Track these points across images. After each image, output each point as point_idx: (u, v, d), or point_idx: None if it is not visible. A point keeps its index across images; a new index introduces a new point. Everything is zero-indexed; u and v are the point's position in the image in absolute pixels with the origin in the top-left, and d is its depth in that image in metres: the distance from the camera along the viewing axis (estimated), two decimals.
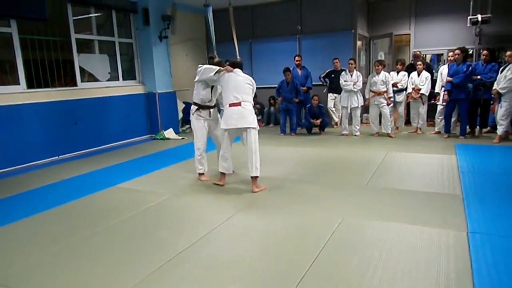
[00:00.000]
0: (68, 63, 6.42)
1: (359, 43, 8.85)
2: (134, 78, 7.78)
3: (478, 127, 6.81)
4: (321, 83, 8.13)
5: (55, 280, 2.42)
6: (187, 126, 8.73)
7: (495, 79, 6.13)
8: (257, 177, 4.10)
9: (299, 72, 7.87)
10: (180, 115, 8.54)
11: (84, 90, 6.55)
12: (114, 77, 7.34)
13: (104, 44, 7.16)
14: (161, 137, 7.59)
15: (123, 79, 7.49)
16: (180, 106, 8.60)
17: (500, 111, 6.04)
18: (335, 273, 2.35)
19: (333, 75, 7.78)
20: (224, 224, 3.17)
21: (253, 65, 9.49)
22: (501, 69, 6.09)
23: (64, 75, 6.38)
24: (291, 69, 7.73)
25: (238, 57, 8.03)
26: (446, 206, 3.38)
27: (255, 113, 9.05)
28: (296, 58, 7.87)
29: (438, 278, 2.23)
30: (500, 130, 6.07)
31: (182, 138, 7.57)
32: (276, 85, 7.74)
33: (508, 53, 6.02)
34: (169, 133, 7.74)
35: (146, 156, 6.10)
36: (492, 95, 6.22)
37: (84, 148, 6.48)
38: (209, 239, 2.90)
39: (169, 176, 4.82)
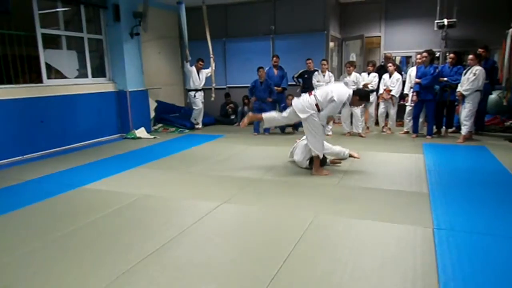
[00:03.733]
0: (33, 59, 6.16)
1: (331, 44, 9.00)
2: (104, 75, 7.57)
3: (444, 127, 7.08)
4: (295, 83, 8.20)
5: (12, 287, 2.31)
6: (160, 125, 8.59)
7: (460, 81, 6.38)
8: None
9: (275, 72, 7.89)
10: (152, 114, 8.38)
11: (50, 87, 6.30)
12: (82, 74, 7.10)
13: (72, 40, 6.91)
14: (132, 136, 7.42)
15: (93, 77, 7.26)
16: (153, 104, 8.45)
17: (464, 112, 6.30)
18: (307, 271, 2.37)
19: (306, 76, 7.86)
20: (196, 224, 3.13)
21: (227, 64, 9.46)
22: (464, 71, 6.35)
23: (29, 72, 6.12)
24: (267, 68, 7.76)
25: (211, 55, 8.02)
26: (413, 204, 3.48)
27: (229, 112, 9.09)
28: (274, 58, 7.90)
29: (405, 274, 2.29)
30: (464, 130, 6.33)
31: (154, 138, 7.43)
32: (250, 85, 7.75)
33: (470, 56, 6.29)
34: (141, 132, 7.58)
35: (116, 155, 5.94)
36: (457, 97, 6.47)
37: (50, 148, 6.24)
38: (181, 240, 2.86)
39: (140, 176, 4.71)
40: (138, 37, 7.66)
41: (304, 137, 5.08)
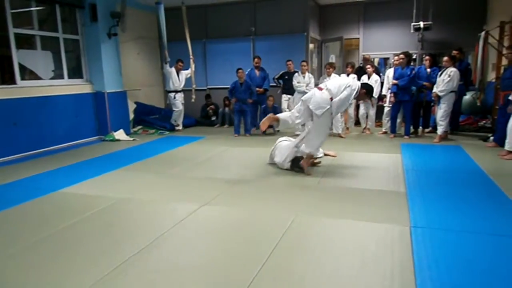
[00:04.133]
0: (6, 59, 5.96)
1: (311, 45, 9.08)
2: (81, 76, 7.40)
3: (421, 127, 7.24)
4: (275, 84, 8.23)
5: None
6: (139, 127, 8.47)
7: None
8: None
9: (257, 73, 7.89)
10: (132, 115, 8.26)
11: (24, 89, 6.11)
12: (58, 75, 6.93)
13: (47, 40, 6.74)
14: (111, 138, 7.28)
15: (69, 78, 7.09)
16: (132, 106, 8.32)
17: (440, 112, 6.46)
18: (287, 271, 2.38)
19: (286, 77, 7.90)
20: (175, 227, 3.09)
21: (207, 65, 9.42)
22: (439, 73, 6.52)
23: (1, 72, 5.92)
24: (249, 70, 7.77)
25: (191, 56, 7.97)
26: (391, 203, 3.54)
27: (210, 114, 9.03)
28: (256, 59, 7.89)
29: (383, 272, 2.33)
30: (440, 130, 6.49)
31: (134, 140, 7.32)
32: (229, 86, 7.73)
33: (445, 58, 6.47)
34: (119, 134, 7.45)
35: (94, 158, 5.82)
36: (433, 98, 6.64)
37: (24, 151, 6.05)
38: (160, 244, 2.81)
39: (118, 179, 4.62)
40: (116, 37, 7.53)
41: (283, 138, 5.11)
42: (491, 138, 6.15)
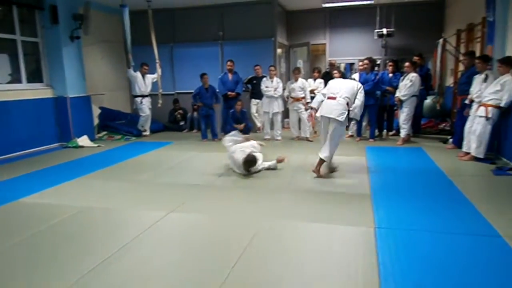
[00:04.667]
0: None
1: (279, 50, 9.18)
2: (41, 81, 7.10)
3: (385, 130, 7.48)
4: (244, 89, 8.24)
5: None
6: (104, 132, 8.22)
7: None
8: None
9: (230, 77, 7.84)
10: (96, 121, 7.99)
11: None
12: (16, 79, 6.61)
13: (3, 43, 6.43)
14: (74, 145, 7.01)
15: (28, 82, 6.77)
16: (96, 111, 8.06)
17: (402, 116, 6.70)
18: (255, 277, 2.37)
19: (255, 81, 7.94)
20: (141, 236, 3.01)
21: (174, 70, 9.29)
22: (401, 78, 6.77)
23: None
24: (222, 74, 7.75)
25: (157, 60, 7.84)
26: (357, 205, 3.62)
27: (178, 119, 8.91)
28: (228, 63, 7.83)
29: (349, 273, 2.37)
30: (402, 133, 6.72)
31: (98, 146, 7.08)
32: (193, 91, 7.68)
33: (406, 64, 6.73)
34: (83, 140, 7.19)
35: (56, 166, 5.58)
36: (395, 102, 6.88)
37: None
38: (124, 254, 2.73)
39: (81, 187, 4.46)
40: (79, 40, 7.29)
41: (229, 140, 5.13)
42: (450, 140, 6.44)
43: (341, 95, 4.59)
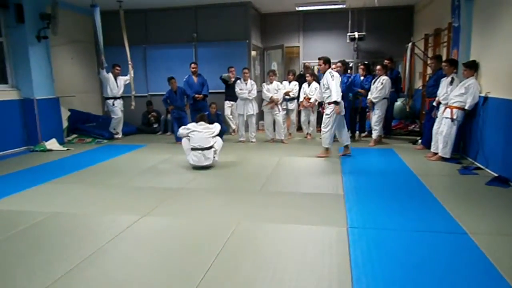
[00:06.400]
0: None
1: (253, 53, 9.20)
2: (5, 82, 6.81)
3: (357, 132, 7.63)
4: (218, 91, 8.20)
5: None
6: (74, 135, 7.97)
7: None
8: None
9: (195, 79, 7.79)
10: (65, 123, 7.74)
11: None
12: None
13: None
14: (42, 148, 6.76)
15: None
16: (65, 114, 7.81)
17: (374, 118, 6.86)
18: (229, 280, 2.35)
19: (229, 82, 7.92)
20: (113, 241, 2.93)
21: (147, 71, 9.15)
22: (373, 81, 6.93)
23: None
24: (186, 76, 7.67)
25: (129, 62, 7.69)
26: (330, 205, 3.67)
27: (151, 121, 8.78)
28: (192, 65, 7.79)
29: (322, 273, 2.40)
30: (374, 134, 6.89)
31: (68, 149, 6.86)
32: (164, 96, 7.61)
33: (378, 67, 6.91)
34: (52, 144, 6.95)
35: (21, 170, 5.36)
36: (367, 104, 7.03)
37: None
38: (95, 260, 2.65)
39: (49, 193, 4.29)
40: (46, 40, 7.05)
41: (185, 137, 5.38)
42: (419, 141, 6.65)
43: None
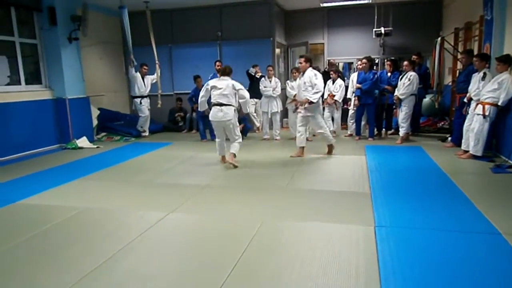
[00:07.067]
0: None
1: (277, 50, 9.18)
2: (39, 82, 7.09)
3: (384, 129, 7.49)
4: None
5: None
6: (103, 134, 8.22)
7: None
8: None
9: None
10: (95, 122, 7.99)
11: None
12: (15, 81, 6.61)
13: (2, 45, 6.41)
14: (73, 146, 7.01)
15: (26, 84, 6.77)
16: (95, 112, 8.06)
17: (401, 115, 6.72)
18: (255, 277, 2.37)
19: (254, 79, 7.93)
20: (141, 236, 3.02)
21: (173, 70, 9.30)
22: (400, 77, 6.78)
23: None
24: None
25: (157, 61, 7.85)
26: (356, 203, 3.63)
27: (177, 120, 8.96)
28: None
29: (349, 271, 2.38)
30: (401, 132, 6.74)
31: (97, 147, 7.08)
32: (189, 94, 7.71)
33: (405, 62, 6.75)
34: (82, 141, 7.19)
35: (55, 167, 5.58)
36: (394, 101, 6.89)
37: None
38: (125, 254, 2.73)
39: (81, 188, 4.46)
40: (77, 42, 7.29)
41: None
42: (449, 138, 6.45)
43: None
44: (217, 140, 5.42)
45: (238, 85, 5.21)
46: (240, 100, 5.26)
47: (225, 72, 5.25)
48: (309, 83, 5.52)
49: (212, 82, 5.24)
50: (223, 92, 5.10)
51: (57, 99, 7.16)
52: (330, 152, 5.86)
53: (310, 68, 5.62)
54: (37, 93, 6.91)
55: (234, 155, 5.27)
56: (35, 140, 6.75)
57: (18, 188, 4.50)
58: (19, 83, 6.65)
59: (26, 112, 6.57)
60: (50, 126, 7.09)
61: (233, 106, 5.15)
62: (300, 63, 5.71)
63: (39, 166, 5.64)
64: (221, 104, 5.10)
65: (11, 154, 6.25)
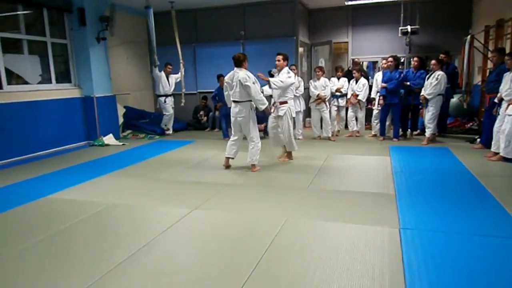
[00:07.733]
0: None
1: (301, 49, 9.13)
2: (69, 81, 7.33)
3: (409, 130, 7.33)
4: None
5: None
6: (129, 131, 8.41)
7: (423, 85, 6.64)
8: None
9: None
10: (121, 120, 8.19)
11: (11, 94, 6.03)
12: (46, 80, 6.85)
13: (34, 44, 6.66)
14: (100, 143, 7.21)
15: (57, 82, 7.01)
16: (121, 110, 8.26)
17: (428, 115, 6.55)
18: (278, 274, 2.38)
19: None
20: (165, 232, 3.07)
21: (197, 69, 9.40)
22: (427, 76, 6.62)
23: None
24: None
25: (181, 61, 7.96)
26: (381, 205, 3.57)
27: (201, 118, 9.00)
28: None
29: (373, 273, 2.34)
30: (428, 132, 6.58)
31: (123, 144, 7.26)
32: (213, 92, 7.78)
33: (432, 61, 6.57)
34: (109, 139, 7.39)
35: (83, 163, 5.76)
36: (421, 101, 6.73)
37: (11, 157, 5.94)
38: (151, 248, 2.79)
39: (107, 184, 4.58)
40: (104, 41, 7.48)
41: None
42: (478, 140, 6.25)
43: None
44: (231, 138, 5.17)
45: (246, 79, 4.75)
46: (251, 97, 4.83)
47: (238, 61, 4.89)
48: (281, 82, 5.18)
49: (226, 78, 5.07)
50: (235, 88, 4.87)
51: (85, 97, 7.38)
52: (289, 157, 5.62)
53: (287, 68, 5.38)
54: (67, 91, 7.15)
55: (254, 166, 5.03)
56: (64, 137, 6.99)
57: (48, 183, 4.67)
58: (50, 81, 6.90)
59: (56, 110, 6.81)
60: (79, 123, 7.32)
61: (248, 102, 4.88)
62: (278, 60, 5.34)
63: (67, 162, 5.83)
64: (235, 101, 4.93)
65: (42, 150, 6.49)
